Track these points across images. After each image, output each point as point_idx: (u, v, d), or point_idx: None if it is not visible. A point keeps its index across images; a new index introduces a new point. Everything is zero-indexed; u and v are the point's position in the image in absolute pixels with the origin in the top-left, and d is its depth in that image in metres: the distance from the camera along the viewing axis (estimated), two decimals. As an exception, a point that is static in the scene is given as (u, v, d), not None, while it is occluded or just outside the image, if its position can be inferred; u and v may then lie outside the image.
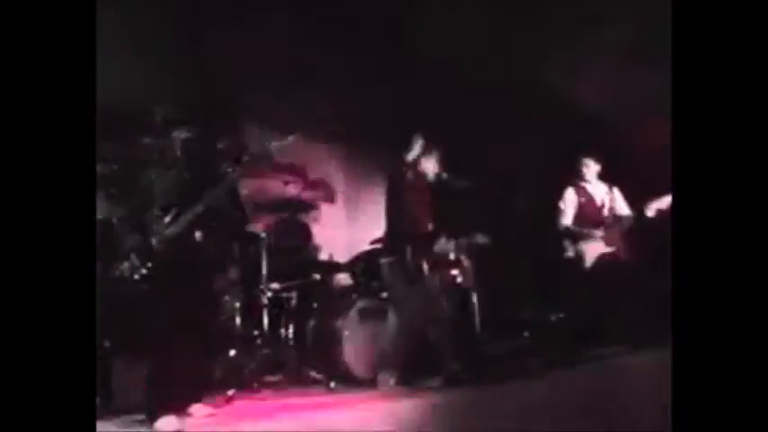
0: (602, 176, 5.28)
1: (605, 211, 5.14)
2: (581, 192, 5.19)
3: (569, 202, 5.16)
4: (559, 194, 5.22)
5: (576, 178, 5.26)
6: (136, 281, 3.18)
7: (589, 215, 5.09)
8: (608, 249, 4.97)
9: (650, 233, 4.86)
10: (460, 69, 6.51)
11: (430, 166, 4.40)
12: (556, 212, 5.17)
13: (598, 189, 5.23)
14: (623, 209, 5.15)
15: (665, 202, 4.67)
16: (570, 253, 5.06)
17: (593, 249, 4.98)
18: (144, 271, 3.19)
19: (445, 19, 6.66)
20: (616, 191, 5.24)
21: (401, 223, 4.24)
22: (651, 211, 4.78)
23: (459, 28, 6.36)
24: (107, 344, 3.67)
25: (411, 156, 4.38)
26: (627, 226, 5.04)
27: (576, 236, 5.06)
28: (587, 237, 5.00)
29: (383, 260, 4.38)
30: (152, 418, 3.02)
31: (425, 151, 4.43)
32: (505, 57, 6.27)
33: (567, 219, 5.13)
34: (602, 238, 4.99)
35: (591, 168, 5.23)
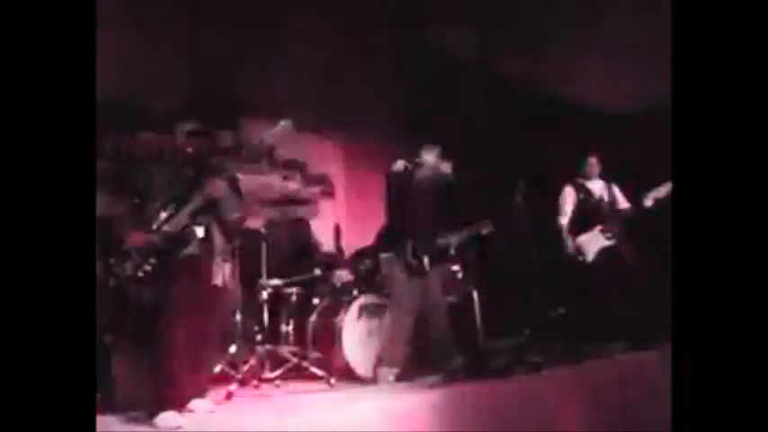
0: (602, 171, 5.29)
1: (604, 206, 5.16)
2: (580, 188, 5.22)
3: (568, 200, 5.19)
4: (559, 192, 5.25)
5: (575, 175, 5.29)
6: (138, 277, 3.18)
7: (588, 211, 5.11)
8: (607, 243, 4.99)
9: (649, 224, 4.90)
10: (461, 66, 6.51)
11: (430, 161, 4.39)
12: (555, 210, 5.19)
13: (597, 185, 5.25)
14: (622, 202, 5.18)
15: (662, 191, 4.73)
16: (570, 249, 5.08)
17: (593, 244, 5.01)
18: (147, 267, 3.18)
19: (445, 16, 6.65)
20: (614, 185, 5.26)
21: (401, 218, 4.22)
22: (649, 201, 4.83)
23: (459, 25, 6.36)
24: (108, 340, 3.66)
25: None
26: (625, 219, 5.06)
27: (574, 233, 5.09)
28: (586, 233, 5.03)
29: (383, 255, 4.37)
30: (152, 413, 3.01)
31: (425, 145, 4.43)
32: (505, 53, 6.28)
33: (566, 216, 5.16)
34: (602, 232, 5.01)
35: (590, 165, 5.25)
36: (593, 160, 5.24)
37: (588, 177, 5.25)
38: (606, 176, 5.29)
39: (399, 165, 4.28)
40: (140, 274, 3.19)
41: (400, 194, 4.27)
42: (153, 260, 3.19)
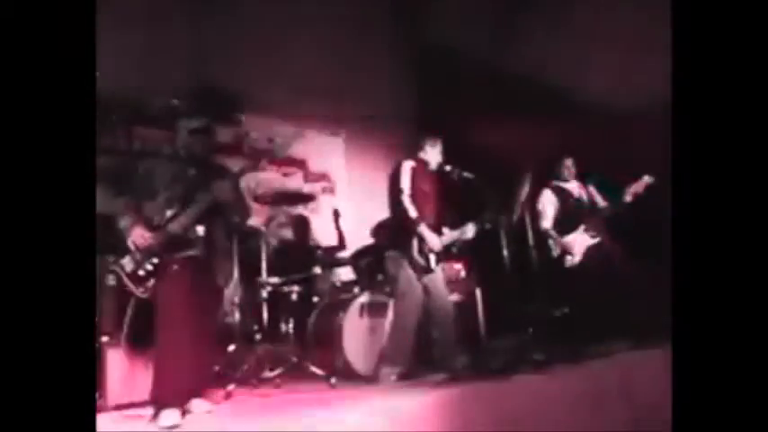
0: (578, 172, 5.33)
1: (584, 205, 5.20)
2: (558, 191, 5.25)
3: (548, 204, 5.23)
4: (538, 196, 5.30)
5: (553, 178, 5.33)
6: (139, 276, 3.17)
7: (570, 212, 5.15)
8: (593, 241, 5.01)
9: (631, 219, 4.95)
10: (462, 63, 6.51)
11: (433, 158, 4.38)
12: (536, 215, 5.23)
13: (573, 185, 5.29)
14: (600, 201, 5.22)
15: (641, 185, 4.82)
16: (557, 251, 5.12)
17: (579, 243, 5.03)
18: (149, 266, 3.18)
19: (448, 11, 6.65)
20: (590, 185, 5.31)
21: (406, 216, 4.18)
22: (628, 196, 4.90)
23: (461, 21, 6.36)
24: (107, 338, 3.66)
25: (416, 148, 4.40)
26: (606, 215, 5.09)
27: (560, 234, 5.12)
28: (571, 233, 5.06)
29: (389, 253, 4.34)
30: (152, 413, 3.00)
31: (428, 142, 4.42)
32: (506, 50, 6.28)
33: (549, 220, 5.18)
34: (586, 230, 5.05)
35: (566, 167, 5.29)
36: (568, 162, 5.29)
37: (564, 179, 5.29)
38: (582, 176, 5.33)
39: (402, 162, 4.27)
40: (141, 272, 3.19)
41: (405, 191, 4.24)
42: (155, 259, 3.19)
